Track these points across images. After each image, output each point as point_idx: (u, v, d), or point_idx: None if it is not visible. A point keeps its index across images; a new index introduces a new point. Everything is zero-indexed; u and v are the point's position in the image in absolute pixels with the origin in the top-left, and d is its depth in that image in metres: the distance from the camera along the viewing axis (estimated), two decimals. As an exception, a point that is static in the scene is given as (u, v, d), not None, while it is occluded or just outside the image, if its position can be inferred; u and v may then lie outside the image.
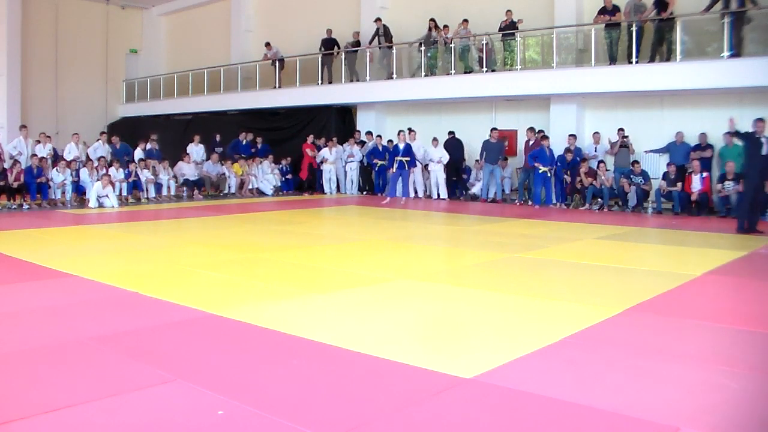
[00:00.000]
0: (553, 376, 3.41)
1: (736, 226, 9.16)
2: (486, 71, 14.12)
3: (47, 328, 4.28)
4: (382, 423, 2.84)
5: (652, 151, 12.62)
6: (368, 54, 16.31)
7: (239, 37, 20.98)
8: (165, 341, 4.02)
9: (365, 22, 17.00)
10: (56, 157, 13.46)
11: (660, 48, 12.02)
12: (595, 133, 13.21)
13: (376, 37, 16.21)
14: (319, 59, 17.16)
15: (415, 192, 14.85)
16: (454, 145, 14.52)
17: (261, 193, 15.82)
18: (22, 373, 3.40)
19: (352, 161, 15.95)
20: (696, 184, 11.41)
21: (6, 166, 12.59)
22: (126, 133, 18.53)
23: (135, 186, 13.83)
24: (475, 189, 14.45)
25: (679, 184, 11.61)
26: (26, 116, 18.92)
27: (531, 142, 13.37)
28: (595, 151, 13.00)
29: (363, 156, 15.97)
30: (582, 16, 13.73)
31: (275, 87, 18.07)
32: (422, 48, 15.29)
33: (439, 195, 14.47)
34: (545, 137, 12.86)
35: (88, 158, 14.04)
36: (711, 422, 2.88)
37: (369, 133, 16.30)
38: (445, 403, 3.04)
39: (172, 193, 14.48)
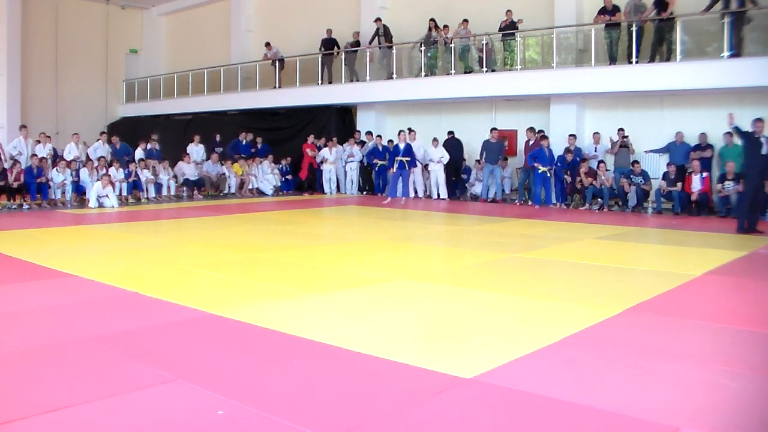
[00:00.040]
0: (553, 376, 3.41)
1: (736, 226, 9.17)
2: (486, 71, 14.12)
3: (47, 328, 4.28)
4: (382, 423, 2.84)
5: (652, 151, 12.62)
6: (368, 54, 16.31)
7: (239, 37, 20.97)
8: (165, 341, 4.02)
9: (365, 22, 17.00)
10: (56, 157, 13.46)
11: (660, 48, 12.02)
12: (595, 133, 13.21)
13: (376, 37, 16.21)
14: (319, 59, 17.16)
15: (415, 192, 14.84)
16: (453, 145, 14.53)
17: (261, 193, 15.82)
18: (22, 373, 3.40)
19: (352, 161, 15.95)
20: (696, 184, 11.41)
21: (6, 166, 12.59)
22: (126, 133, 18.53)
23: (135, 186, 13.84)
24: (475, 189, 14.46)
25: (679, 184, 11.61)
26: (26, 116, 18.91)
27: (531, 142, 13.37)
28: (595, 151, 13.00)
29: (363, 156, 15.96)
30: (582, 16, 13.72)
31: (275, 87, 18.06)
32: (422, 48, 15.29)
33: (439, 195, 14.47)
34: (545, 137, 12.86)
35: (88, 158, 14.03)
36: (711, 422, 2.88)
37: (369, 133, 16.30)
38: (445, 403, 3.04)
39: (172, 193, 14.48)
